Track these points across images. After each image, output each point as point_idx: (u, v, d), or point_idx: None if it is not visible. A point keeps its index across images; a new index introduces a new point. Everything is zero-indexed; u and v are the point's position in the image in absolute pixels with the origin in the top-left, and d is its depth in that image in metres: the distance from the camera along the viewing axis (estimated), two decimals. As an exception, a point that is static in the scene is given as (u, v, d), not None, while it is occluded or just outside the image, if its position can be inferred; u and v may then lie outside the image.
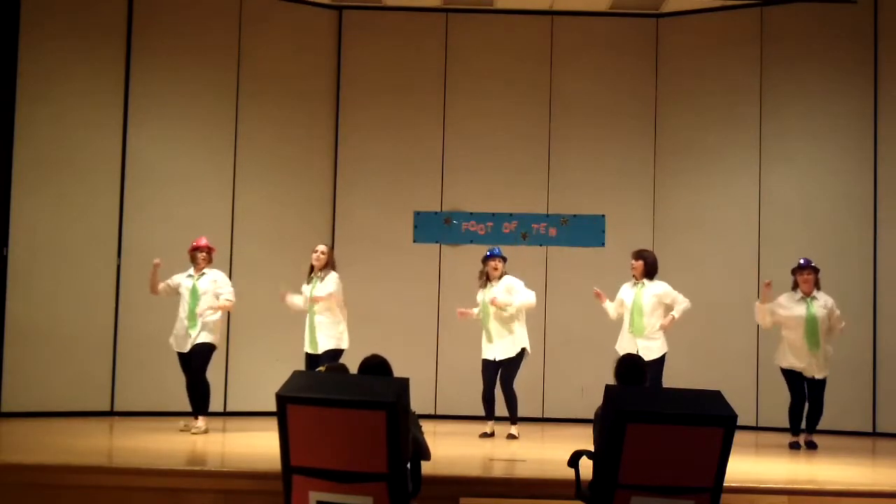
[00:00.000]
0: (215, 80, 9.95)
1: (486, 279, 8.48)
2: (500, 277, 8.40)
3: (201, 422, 8.09)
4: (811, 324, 8.03)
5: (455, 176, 10.42)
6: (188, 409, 8.23)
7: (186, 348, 8.17)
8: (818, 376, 8.11)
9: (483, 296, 8.48)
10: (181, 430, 8.07)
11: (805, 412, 8.18)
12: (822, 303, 8.10)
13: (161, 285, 8.38)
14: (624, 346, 8.15)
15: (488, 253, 8.53)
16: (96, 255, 9.34)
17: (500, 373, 8.37)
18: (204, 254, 8.37)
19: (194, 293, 8.21)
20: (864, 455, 8.28)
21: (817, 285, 8.16)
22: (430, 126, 10.45)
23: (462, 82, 10.49)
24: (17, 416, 8.68)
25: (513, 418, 8.38)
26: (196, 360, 8.16)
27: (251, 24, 10.08)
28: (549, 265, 10.32)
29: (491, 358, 8.39)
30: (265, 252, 9.77)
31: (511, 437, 8.29)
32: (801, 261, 8.22)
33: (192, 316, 8.17)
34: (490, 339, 8.39)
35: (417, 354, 9.90)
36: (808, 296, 8.10)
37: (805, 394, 8.15)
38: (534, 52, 10.50)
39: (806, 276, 8.11)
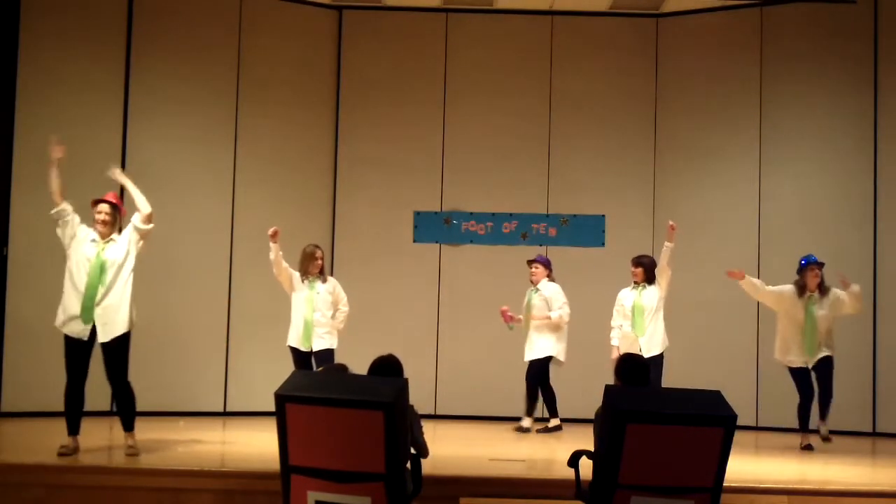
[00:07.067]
0: (215, 80, 9.95)
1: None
2: (537, 282, 8.88)
3: (133, 440, 6.42)
4: (811, 322, 7.91)
5: (455, 176, 10.41)
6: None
7: (87, 335, 6.21)
8: (821, 355, 7.90)
9: (527, 297, 8.90)
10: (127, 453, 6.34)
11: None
12: (826, 301, 7.94)
13: (65, 204, 6.29)
14: (625, 346, 8.22)
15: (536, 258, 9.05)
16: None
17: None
18: (104, 215, 6.29)
19: (100, 265, 6.24)
20: (864, 455, 8.27)
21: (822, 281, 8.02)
22: (430, 126, 10.45)
23: (462, 82, 10.48)
24: (17, 416, 8.67)
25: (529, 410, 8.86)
26: (116, 359, 6.27)
27: (251, 24, 10.07)
28: (550, 265, 10.32)
29: (525, 359, 8.87)
30: (265, 251, 9.74)
31: (520, 429, 8.76)
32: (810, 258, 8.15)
33: (93, 294, 6.19)
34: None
35: (417, 354, 9.88)
36: (812, 292, 7.98)
37: (813, 389, 7.93)
38: (534, 52, 10.50)
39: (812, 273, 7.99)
